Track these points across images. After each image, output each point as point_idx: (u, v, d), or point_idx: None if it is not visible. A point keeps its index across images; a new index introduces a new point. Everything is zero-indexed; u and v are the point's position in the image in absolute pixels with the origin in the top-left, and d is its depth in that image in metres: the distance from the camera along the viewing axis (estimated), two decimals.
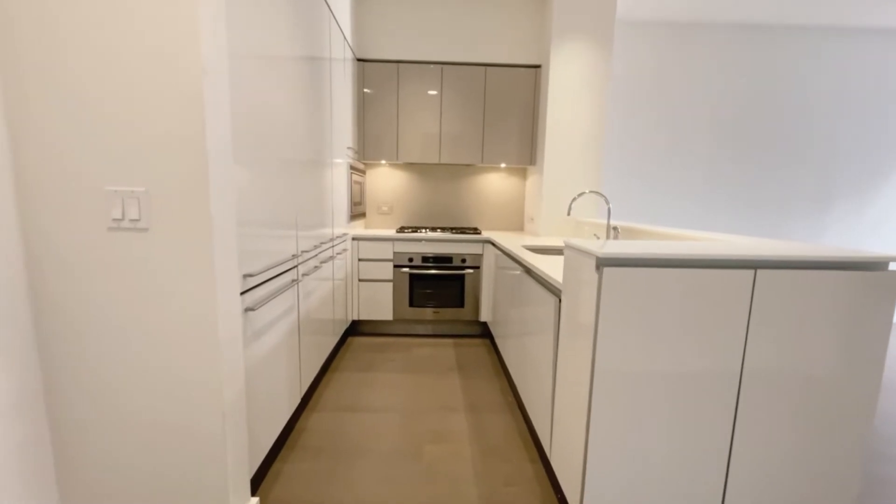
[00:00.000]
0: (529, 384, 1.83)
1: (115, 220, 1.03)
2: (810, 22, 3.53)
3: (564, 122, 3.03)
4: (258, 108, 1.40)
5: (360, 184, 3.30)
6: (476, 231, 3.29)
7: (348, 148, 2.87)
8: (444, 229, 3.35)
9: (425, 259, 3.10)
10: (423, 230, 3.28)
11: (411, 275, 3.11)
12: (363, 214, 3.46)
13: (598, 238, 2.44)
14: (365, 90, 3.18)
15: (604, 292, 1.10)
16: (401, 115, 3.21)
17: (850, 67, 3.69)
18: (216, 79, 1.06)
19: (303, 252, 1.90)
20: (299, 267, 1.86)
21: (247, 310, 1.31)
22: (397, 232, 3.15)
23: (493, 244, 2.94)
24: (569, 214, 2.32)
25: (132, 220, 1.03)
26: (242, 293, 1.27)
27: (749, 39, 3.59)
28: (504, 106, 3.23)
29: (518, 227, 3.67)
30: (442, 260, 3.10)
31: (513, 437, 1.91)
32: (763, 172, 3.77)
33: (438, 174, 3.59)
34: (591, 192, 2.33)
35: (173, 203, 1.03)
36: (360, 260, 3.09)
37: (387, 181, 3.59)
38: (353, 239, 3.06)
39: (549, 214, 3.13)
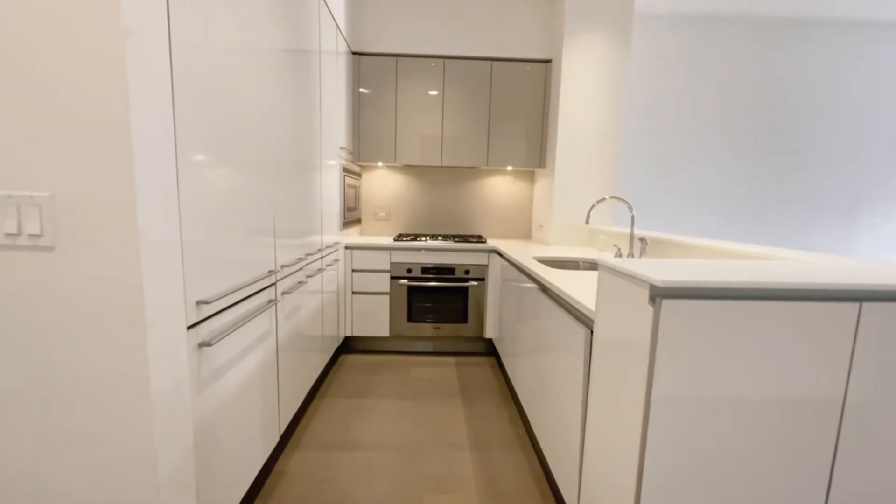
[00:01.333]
0: (546, 418, 1.55)
1: (8, 235, 0.77)
2: (838, 14, 3.29)
3: (578, 121, 2.78)
4: (225, 100, 1.14)
5: (356, 188, 3.04)
6: (480, 239, 3.02)
7: (341, 148, 2.61)
8: (445, 237, 3.09)
9: (425, 270, 2.84)
10: (423, 238, 3.01)
11: (410, 287, 2.84)
12: (358, 221, 3.20)
13: (619, 249, 2.18)
14: (361, 90, 2.93)
15: (662, 330, 0.83)
16: (399, 113, 2.95)
17: (882, 63, 3.45)
18: (147, 44, 0.79)
19: (283, 267, 1.63)
20: (278, 284, 1.60)
21: (201, 345, 1.04)
22: (395, 240, 2.88)
23: (500, 254, 2.68)
24: (587, 223, 2.06)
25: (32, 236, 0.77)
26: (193, 325, 1.01)
27: (773, 33, 3.35)
28: (511, 104, 2.98)
29: (525, 234, 3.41)
30: (443, 271, 2.84)
31: (526, 480, 1.64)
32: (785, 176, 3.52)
33: (440, 177, 3.33)
34: (612, 197, 2.07)
35: (88, 212, 0.77)
36: (353, 271, 2.82)
37: (384, 185, 3.33)
38: (347, 248, 2.79)
39: (561, 222, 2.86)
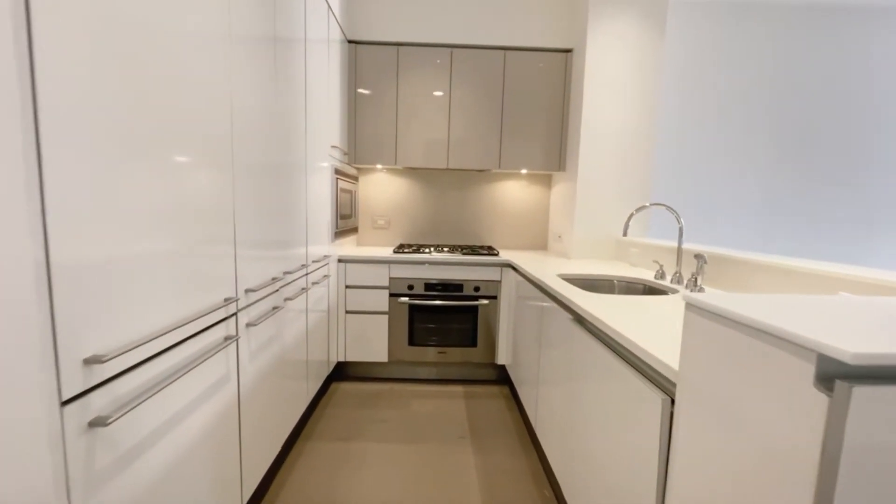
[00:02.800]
0: (588, 487, 1.19)
1: None
2: None
3: (604, 117, 2.43)
4: (165, 80, 0.80)
5: (351, 192, 2.70)
6: (491, 251, 2.67)
7: (334, 147, 2.28)
8: (452, 248, 2.74)
9: (429, 287, 2.48)
10: (427, 249, 2.67)
11: (412, 306, 2.49)
12: (354, 229, 2.86)
13: (661, 268, 1.82)
14: (358, 84, 2.60)
15: (852, 438, 0.47)
16: (401, 109, 2.62)
17: None
18: None
19: (248, 291, 1.28)
20: (240, 315, 1.25)
21: (94, 424, 0.69)
22: (395, 252, 2.53)
23: (516, 269, 2.32)
24: (625, 234, 1.71)
25: None
26: (77, 397, 0.66)
27: (824, 21, 3.00)
28: (527, 98, 2.64)
29: (540, 245, 3.05)
30: (450, 288, 2.48)
31: None
32: (836, 182, 3.14)
33: (445, 182, 2.99)
34: (656, 205, 1.72)
35: None
36: (347, 287, 2.47)
37: (384, 190, 2.99)
38: (340, 261, 2.45)
39: (584, 232, 2.51)
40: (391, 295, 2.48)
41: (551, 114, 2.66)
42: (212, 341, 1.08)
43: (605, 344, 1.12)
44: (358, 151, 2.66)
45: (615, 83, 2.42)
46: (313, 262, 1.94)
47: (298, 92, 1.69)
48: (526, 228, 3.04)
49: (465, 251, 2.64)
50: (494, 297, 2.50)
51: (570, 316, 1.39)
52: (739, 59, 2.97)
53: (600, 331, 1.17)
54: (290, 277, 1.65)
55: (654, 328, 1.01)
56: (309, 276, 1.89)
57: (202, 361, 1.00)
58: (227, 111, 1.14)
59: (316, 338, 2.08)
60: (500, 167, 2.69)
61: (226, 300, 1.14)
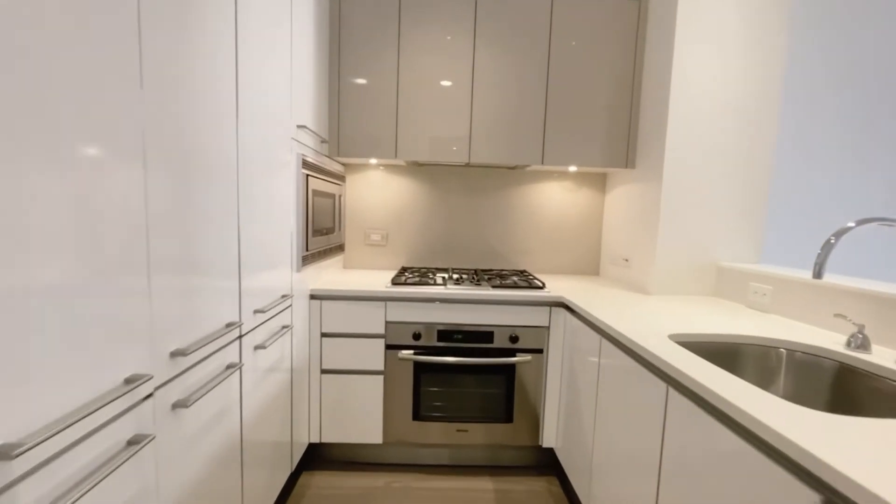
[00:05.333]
0: None
1: None
2: None
3: (702, 92, 1.66)
4: None
5: (334, 197, 1.93)
6: (529, 279, 1.89)
7: (302, 129, 1.50)
8: (472, 275, 1.95)
9: (444, 335, 1.70)
10: (439, 276, 1.89)
11: (419, 364, 1.70)
12: (339, 248, 2.08)
13: (860, 331, 1.03)
14: (345, 55, 1.84)
15: None
16: (403, 83, 1.86)
17: None
18: None
19: (144, 380, 0.50)
20: (124, 420, 0.46)
21: None
22: (394, 283, 1.75)
23: (573, 312, 1.54)
24: (818, 276, 0.93)
25: None
26: None
27: None
28: (582, 67, 1.87)
29: (590, 269, 2.27)
30: (474, 337, 1.70)
31: None
32: None
33: (464, 182, 2.21)
34: (871, 221, 0.94)
35: None
36: (324, 336, 1.69)
37: (379, 193, 2.22)
38: (313, 297, 1.67)
39: (670, 255, 1.72)
40: (388, 347, 1.70)
41: (617, 88, 1.88)
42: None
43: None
44: (343, 140, 1.89)
45: (721, 40, 1.64)
46: (256, 311, 1.16)
47: (207, 40, 0.92)
48: (572, 247, 2.26)
49: (491, 279, 1.86)
50: (539, 351, 1.71)
51: (755, 445, 0.61)
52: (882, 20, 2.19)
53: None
54: (221, 340, 0.88)
55: None
56: (242, 339, 1.11)
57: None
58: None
59: (276, 409, 1.29)
60: (542, 162, 1.91)
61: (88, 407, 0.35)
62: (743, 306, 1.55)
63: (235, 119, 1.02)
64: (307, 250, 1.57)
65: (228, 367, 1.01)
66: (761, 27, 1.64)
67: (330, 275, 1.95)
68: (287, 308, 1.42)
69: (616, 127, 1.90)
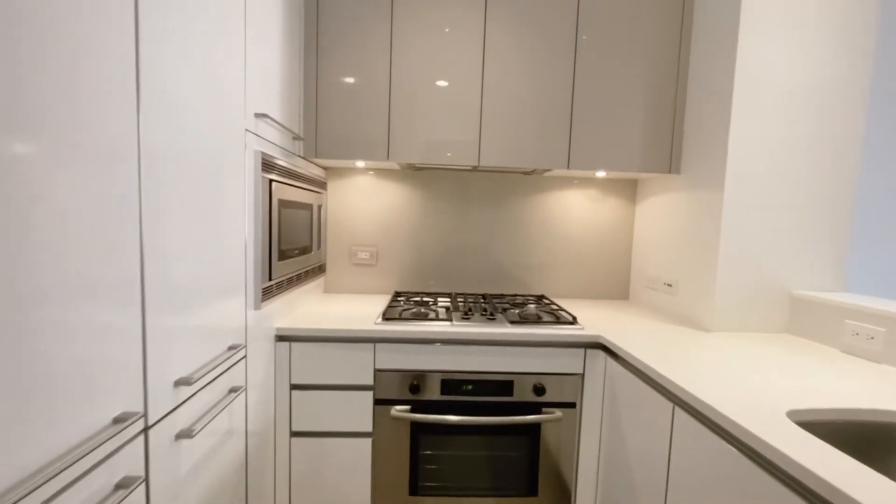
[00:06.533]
0: None
1: None
2: None
3: (774, 88, 1.32)
4: None
5: (311, 208, 1.55)
6: (550, 309, 1.52)
7: (260, 117, 1.13)
8: (481, 304, 1.59)
9: (449, 386, 1.32)
10: (441, 304, 1.52)
11: (417, 424, 1.32)
12: (319, 269, 1.70)
13: None
14: (323, 28, 1.48)
15: None
16: (397, 68, 1.50)
17: None
18: None
19: None
20: None
21: None
22: (385, 318, 1.37)
23: (619, 358, 1.18)
24: None
25: None
26: None
27: None
28: (616, 55, 1.53)
29: (618, 293, 1.92)
30: (488, 388, 1.33)
31: None
32: None
33: (470, 190, 1.86)
34: None
35: None
36: (294, 388, 1.30)
37: (369, 203, 1.85)
38: (280, 339, 1.29)
39: (733, 281, 1.37)
40: (378, 402, 1.32)
41: (659, 80, 1.55)
42: None
43: None
44: (324, 137, 1.52)
45: (799, 24, 1.32)
46: (179, 383, 0.78)
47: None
48: (597, 266, 1.91)
49: (506, 309, 1.49)
50: (572, 405, 1.34)
51: None
52: None
53: None
54: (131, 430, 0.49)
55: None
56: (160, 426, 0.72)
57: None
58: None
59: (219, 496, 0.90)
60: (569, 166, 1.56)
61: None
62: (837, 351, 1.20)
63: (136, 100, 0.64)
64: (270, 279, 1.19)
65: (118, 486, 0.62)
66: (843, 12, 1.32)
67: (306, 305, 1.57)
68: (239, 362, 1.04)
69: (657, 125, 1.56)
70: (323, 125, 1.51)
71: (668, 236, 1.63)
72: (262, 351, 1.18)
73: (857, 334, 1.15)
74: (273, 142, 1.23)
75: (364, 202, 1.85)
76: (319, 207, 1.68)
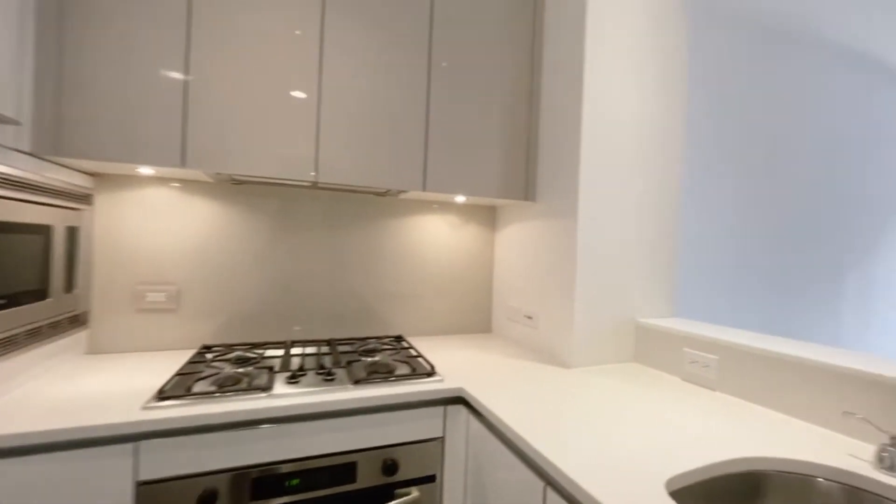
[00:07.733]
0: None
1: None
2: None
3: (616, 112, 1.36)
4: None
5: (48, 231, 1.01)
6: (407, 355, 1.28)
7: None
8: (320, 356, 1.25)
9: (265, 485, 0.94)
10: (267, 359, 1.12)
11: None
12: (71, 321, 1.12)
13: (865, 426, 0.72)
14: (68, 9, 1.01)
15: None
16: (198, 42, 1.11)
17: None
18: None
19: None
20: None
21: None
22: (162, 395, 0.92)
23: (478, 414, 0.99)
24: None
25: None
26: None
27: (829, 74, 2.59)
28: (474, 69, 1.42)
29: (480, 326, 1.79)
30: (322, 479, 0.98)
31: None
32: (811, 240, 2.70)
33: (313, 212, 1.52)
34: None
35: None
36: None
37: (167, 224, 1.35)
38: None
39: (589, 313, 1.33)
40: None
41: (513, 99, 1.49)
42: None
43: None
44: (72, 130, 1.01)
45: (633, 56, 1.38)
46: None
47: None
48: (459, 298, 1.75)
49: (352, 361, 1.19)
50: (431, 479, 1.09)
51: None
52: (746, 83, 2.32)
53: None
54: None
55: None
56: None
57: None
58: None
59: None
60: (424, 188, 1.36)
61: None
62: (678, 379, 1.22)
63: None
64: None
65: None
66: (663, 54, 1.44)
67: (36, 381, 1.00)
68: None
69: (514, 151, 1.49)
70: (75, 110, 1.01)
71: (526, 265, 1.56)
72: None
73: (695, 362, 1.19)
74: None
75: (157, 223, 1.34)
76: (72, 230, 1.14)
